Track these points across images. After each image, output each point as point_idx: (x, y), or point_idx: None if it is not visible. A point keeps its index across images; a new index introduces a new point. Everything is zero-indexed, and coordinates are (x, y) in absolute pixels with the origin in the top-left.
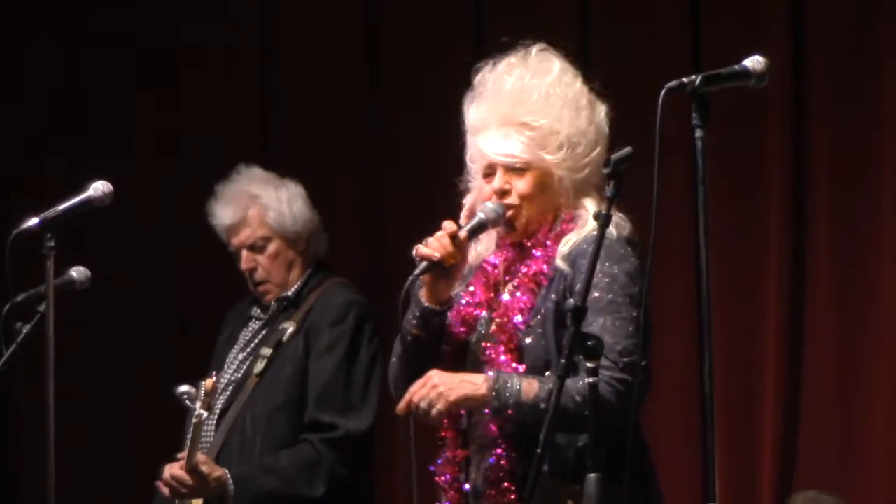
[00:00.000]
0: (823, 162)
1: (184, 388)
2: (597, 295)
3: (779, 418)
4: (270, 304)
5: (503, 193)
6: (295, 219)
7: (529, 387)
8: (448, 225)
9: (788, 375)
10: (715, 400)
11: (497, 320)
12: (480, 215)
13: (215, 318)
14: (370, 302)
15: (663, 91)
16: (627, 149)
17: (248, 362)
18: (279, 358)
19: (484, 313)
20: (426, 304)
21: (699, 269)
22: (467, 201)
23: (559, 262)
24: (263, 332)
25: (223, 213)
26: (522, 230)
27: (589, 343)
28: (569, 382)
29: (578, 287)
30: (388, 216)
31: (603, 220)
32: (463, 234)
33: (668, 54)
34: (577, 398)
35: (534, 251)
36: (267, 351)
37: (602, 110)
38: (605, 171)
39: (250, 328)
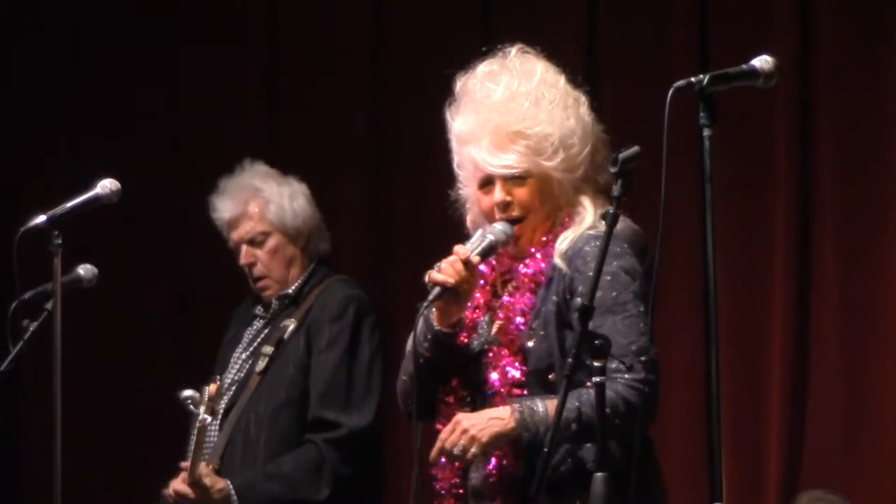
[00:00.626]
0: (831, 161)
1: (187, 392)
2: (600, 294)
3: (785, 418)
4: (272, 302)
5: (506, 206)
6: (296, 215)
7: (555, 408)
8: (460, 250)
9: (795, 374)
10: (721, 399)
11: (499, 323)
12: (490, 237)
13: (221, 316)
14: (371, 298)
15: (671, 90)
16: (635, 148)
17: (250, 361)
18: (281, 356)
19: (484, 317)
20: (438, 328)
21: (706, 268)
22: (468, 216)
23: (557, 261)
24: (266, 330)
25: (224, 206)
26: (528, 243)
27: (596, 342)
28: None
29: (581, 288)
30: (392, 216)
31: (611, 220)
32: (475, 258)
33: (676, 53)
34: (607, 410)
35: (532, 250)
36: (269, 349)
37: (584, 102)
38: (613, 169)
39: (254, 327)
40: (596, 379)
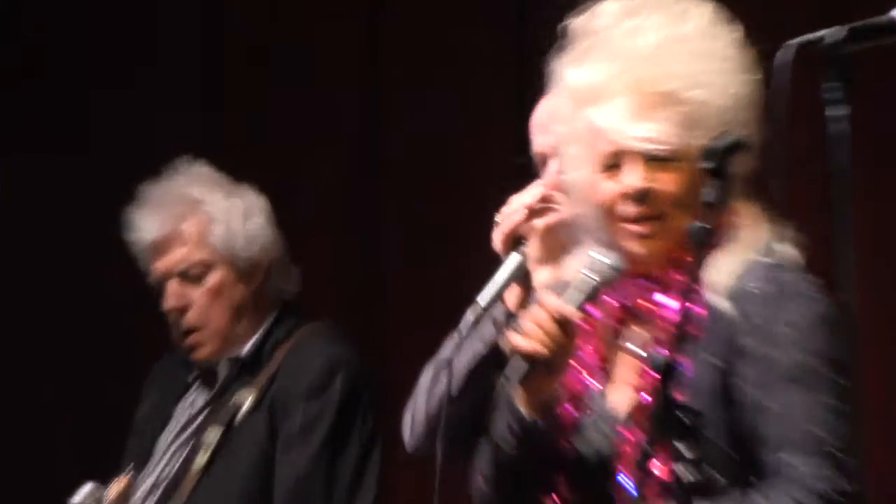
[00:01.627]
0: None
1: (80, 495)
2: (777, 355)
3: None
4: (217, 365)
5: (641, 196)
6: (249, 240)
7: None
8: (551, 302)
9: None
10: None
11: (634, 397)
12: (592, 279)
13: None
14: (361, 345)
15: (785, 49)
16: (731, 136)
17: (185, 452)
18: (231, 446)
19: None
20: (527, 416)
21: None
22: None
23: (716, 301)
24: (208, 409)
25: (147, 223)
26: (656, 260)
27: (683, 416)
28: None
29: (763, 349)
30: (389, 222)
31: (701, 237)
32: (576, 314)
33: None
34: None
35: (676, 277)
36: (213, 436)
37: (756, 74)
38: (708, 165)
39: (189, 401)
40: (679, 468)
